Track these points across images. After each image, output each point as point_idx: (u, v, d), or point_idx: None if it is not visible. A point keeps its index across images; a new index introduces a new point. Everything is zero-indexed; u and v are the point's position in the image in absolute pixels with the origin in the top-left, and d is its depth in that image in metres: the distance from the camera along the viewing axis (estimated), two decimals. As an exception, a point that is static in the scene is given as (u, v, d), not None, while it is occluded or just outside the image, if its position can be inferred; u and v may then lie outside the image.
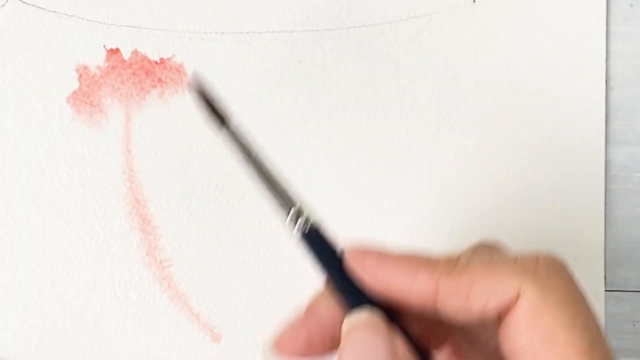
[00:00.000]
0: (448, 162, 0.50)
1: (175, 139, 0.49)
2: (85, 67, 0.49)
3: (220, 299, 0.49)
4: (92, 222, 0.49)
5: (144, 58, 0.49)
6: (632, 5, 0.50)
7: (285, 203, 0.37)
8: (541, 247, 0.50)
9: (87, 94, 0.49)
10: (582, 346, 0.30)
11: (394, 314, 0.33)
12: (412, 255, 0.34)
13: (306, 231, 0.36)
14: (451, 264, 0.33)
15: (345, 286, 0.34)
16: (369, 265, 0.34)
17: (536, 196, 0.50)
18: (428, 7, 0.50)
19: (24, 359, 0.48)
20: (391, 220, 0.50)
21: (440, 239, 0.50)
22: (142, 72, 0.49)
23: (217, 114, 0.40)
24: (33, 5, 0.49)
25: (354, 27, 0.50)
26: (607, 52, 0.50)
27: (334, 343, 0.34)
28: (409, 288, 0.33)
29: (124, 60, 0.49)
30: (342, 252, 0.35)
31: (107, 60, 0.49)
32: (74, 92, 0.49)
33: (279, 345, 0.34)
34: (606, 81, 0.50)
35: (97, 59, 0.49)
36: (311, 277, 0.50)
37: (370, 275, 0.34)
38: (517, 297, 0.31)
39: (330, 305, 0.35)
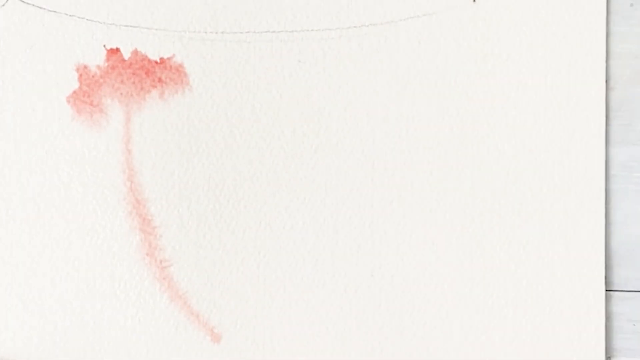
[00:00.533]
0: (448, 161, 0.50)
1: (175, 139, 0.49)
2: (85, 67, 0.49)
3: (220, 299, 0.49)
4: (92, 222, 0.49)
5: (144, 58, 0.49)
6: (632, 5, 0.50)
7: None
8: (541, 247, 0.50)
9: (87, 93, 0.49)
10: None
11: None
12: None
13: None
14: None
15: None
16: None
17: (536, 196, 0.50)
18: (428, 7, 0.50)
19: (24, 359, 0.48)
20: (391, 220, 0.50)
21: (439, 238, 0.50)
22: (142, 72, 0.49)
23: None
24: (33, 5, 0.49)
25: (354, 27, 0.50)
26: (607, 52, 0.50)
27: None
28: None
29: (124, 60, 0.49)
30: None
31: (107, 60, 0.49)
32: (74, 92, 0.49)
33: None
34: (606, 81, 0.50)
35: (97, 59, 0.49)
36: (311, 277, 0.50)
37: None
38: None
39: None
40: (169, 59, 0.49)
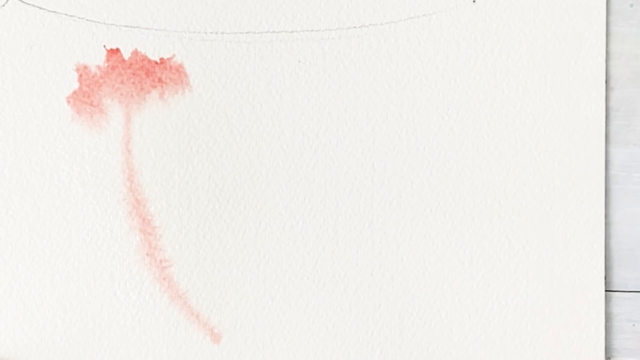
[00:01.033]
0: (448, 161, 0.50)
1: (175, 139, 0.49)
2: (85, 67, 0.49)
3: (220, 299, 0.49)
4: (92, 222, 0.49)
5: (144, 58, 0.49)
6: (632, 5, 0.50)
7: None
8: (541, 247, 0.50)
9: (87, 94, 0.49)
10: None
11: None
12: None
13: None
14: None
15: None
16: None
17: (536, 196, 0.50)
18: (428, 7, 0.50)
19: (24, 359, 0.48)
20: (391, 220, 0.50)
21: (439, 238, 0.50)
22: (142, 72, 0.49)
23: None
24: (33, 5, 0.49)
25: (354, 27, 0.50)
26: (607, 52, 0.50)
27: None
28: None
29: (124, 60, 0.49)
30: None
31: (107, 60, 0.49)
32: (74, 92, 0.49)
33: None
34: (606, 81, 0.50)
35: (97, 59, 0.49)
36: (311, 278, 0.50)
37: None
38: None
39: None
40: (169, 59, 0.49)
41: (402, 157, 0.50)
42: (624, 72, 0.50)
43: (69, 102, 0.49)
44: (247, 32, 0.49)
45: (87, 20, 0.49)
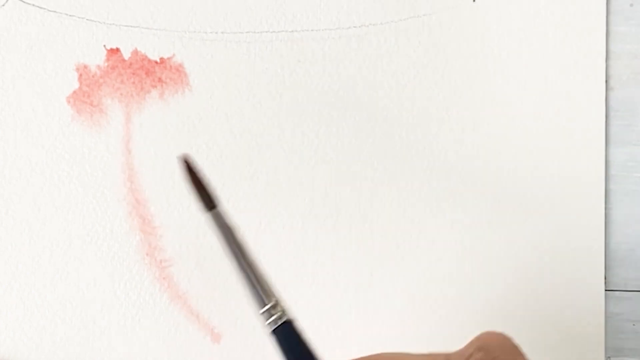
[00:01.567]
0: (448, 161, 0.50)
1: (175, 139, 0.49)
2: (85, 67, 0.49)
3: (220, 299, 0.49)
4: (92, 222, 0.49)
5: (144, 58, 0.49)
6: (632, 5, 0.50)
7: (262, 295, 0.38)
8: (541, 247, 0.50)
9: (87, 94, 0.49)
10: None
11: None
12: None
13: (278, 326, 0.37)
14: None
15: None
16: None
17: (536, 196, 0.50)
18: (428, 7, 0.50)
19: (24, 359, 0.48)
20: (391, 220, 0.50)
21: (439, 238, 0.50)
22: (142, 72, 0.49)
23: (207, 196, 0.40)
24: (33, 5, 0.49)
25: (354, 27, 0.50)
26: (607, 52, 0.50)
27: None
28: None
29: (124, 60, 0.49)
30: None
31: (107, 60, 0.49)
32: (74, 92, 0.49)
33: None
34: (606, 81, 0.50)
35: (97, 59, 0.49)
36: (311, 277, 0.50)
37: None
38: None
39: None
40: (169, 59, 0.49)
41: (402, 157, 0.50)
42: (624, 72, 0.50)
43: (69, 102, 0.49)
44: (247, 32, 0.49)
45: (87, 20, 0.49)
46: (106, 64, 0.49)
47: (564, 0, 0.49)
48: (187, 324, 0.49)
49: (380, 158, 0.50)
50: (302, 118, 0.49)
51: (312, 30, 0.49)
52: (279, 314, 0.37)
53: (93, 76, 0.49)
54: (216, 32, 0.49)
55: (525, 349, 0.50)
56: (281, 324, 0.37)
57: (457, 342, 0.50)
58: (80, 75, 0.49)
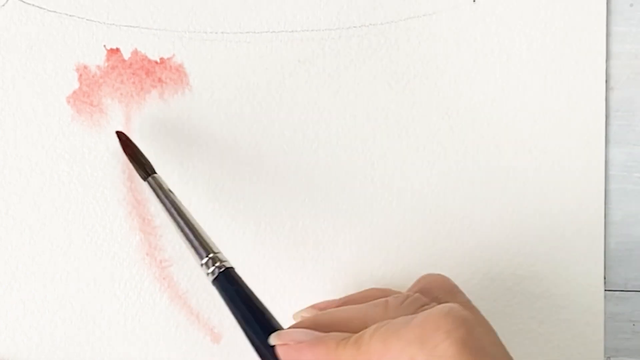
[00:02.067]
0: (448, 161, 0.50)
1: (175, 139, 0.49)
2: (85, 67, 0.49)
3: (221, 299, 0.49)
4: (92, 222, 0.49)
5: (144, 58, 0.49)
6: (632, 5, 0.50)
7: (199, 249, 0.43)
8: (540, 247, 0.50)
9: (87, 94, 0.49)
10: None
11: None
12: (323, 334, 0.38)
13: (217, 275, 0.41)
14: (352, 342, 0.36)
15: (249, 323, 0.40)
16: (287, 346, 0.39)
17: (536, 196, 0.50)
18: (428, 7, 0.50)
19: (24, 359, 0.48)
20: (390, 220, 0.50)
21: (438, 236, 0.50)
22: (142, 72, 0.49)
23: (143, 166, 0.46)
24: (33, 5, 0.49)
25: (354, 27, 0.50)
26: (607, 52, 0.50)
27: None
28: None
29: (124, 60, 0.49)
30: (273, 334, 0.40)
31: (107, 60, 0.49)
32: (74, 92, 0.49)
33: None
34: (606, 81, 0.50)
35: (97, 59, 0.49)
36: (310, 278, 0.50)
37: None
38: None
39: None
40: (169, 59, 0.49)
41: (401, 157, 0.50)
42: (624, 72, 0.50)
43: (69, 102, 0.49)
44: (247, 32, 0.49)
45: (87, 20, 0.49)
46: (106, 64, 0.49)
47: (564, 1, 0.49)
48: (187, 324, 0.49)
49: (380, 158, 0.50)
50: (302, 118, 0.49)
51: (312, 30, 0.49)
52: (217, 264, 0.41)
53: (93, 76, 0.49)
54: (216, 32, 0.49)
55: (525, 349, 0.50)
56: (219, 273, 0.41)
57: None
58: (80, 75, 0.49)
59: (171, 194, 0.45)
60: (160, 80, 0.49)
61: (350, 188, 0.50)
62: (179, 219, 0.44)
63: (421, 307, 0.38)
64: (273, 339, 0.39)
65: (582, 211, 0.50)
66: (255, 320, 0.40)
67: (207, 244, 0.43)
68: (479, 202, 0.50)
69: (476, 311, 0.40)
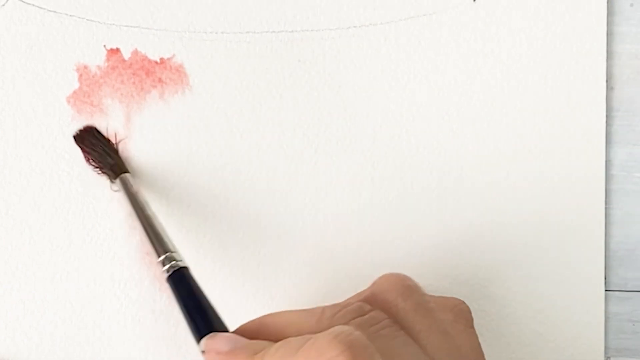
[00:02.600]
0: (448, 162, 0.50)
1: (175, 139, 0.49)
2: (85, 67, 0.49)
3: (221, 298, 0.49)
4: (92, 222, 0.49)
5: (144, 58, 0.49)
6: (632, 5, 0.50)
7: (157, 247, 0.44)
8: (540, 247, 0.50)
9: (87, 94, 0.49)
10: None
11: None
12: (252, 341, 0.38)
13: (171, 273, 0.42)
14: (258, 357, 0.36)
15: (191, 324, 0.41)
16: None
17: (536, 196, 0.50)
18: (428, 7, 0.50)
19: (24, 359, 0.48)
20: (390, 221, 0.50)
21: (438, 238, 0.50)
22: (142, 72, 0.49)
23: (110, 167, 0.47)
24: (33, 5, 0.49)
25: (354, 27, 0.50)
26: (607, 52, 0.50)
27: None
28: None
29: (124, 60, 0.49)
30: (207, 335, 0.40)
31: (108, 60, 0.49)
32: (74, 92, 0.49)
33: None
34: (606, 81, 0.50)
35: (97, 59, 0.49)
36: (310, 278, 0.50)
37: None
38: None
39: None
40: (169, 59, 0.49)
41: (402, 157, 0.50)
42: (624, 72, 0.50)
43: (69, 102, 0.49)
44: (247, 32, 0.49)
45: (87, 20, 0.49)
46: (106, 64, 0.49)
47: (564, 1, 0.49)
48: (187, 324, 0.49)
49: (380, 158, 0.50)
50: (302, 118, 0.49)
51: (312, 30, 0.49)
52: (172, 263, 0.43)
53: (93, 76, 0.49)
54: (216, 32, 0.49)
55: (525, 349, 0.50)
56: (173, 271, 0.42)
57: (457, 342, 0.49)
58: (81, 75, 0.49)
59: (137, 195, 0.46)
60: (160, 80, 0.49)
61: (350, 188, 0.50)
62: (143, 219, 0.45)
63: (353, 318, 0.38)
64: (202, 344, 0.39)
65: (582, 211, 0.50)
66: (196, 321, 0.41)
67: (165, 244, 0.44)
68: (479, 202, 0.50)
69: (416, 320, 0.39)
